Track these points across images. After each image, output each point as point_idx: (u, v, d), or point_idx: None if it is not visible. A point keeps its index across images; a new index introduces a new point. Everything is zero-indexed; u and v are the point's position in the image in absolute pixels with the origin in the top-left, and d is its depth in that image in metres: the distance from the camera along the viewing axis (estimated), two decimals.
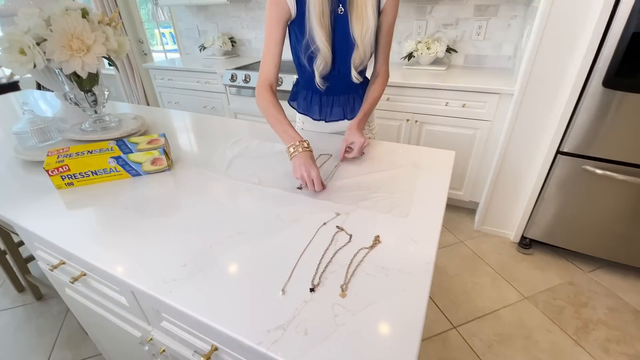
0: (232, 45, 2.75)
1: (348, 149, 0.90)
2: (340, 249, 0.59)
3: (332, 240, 0.61)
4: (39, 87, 2.75)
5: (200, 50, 2.81)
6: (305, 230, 0.64)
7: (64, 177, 0.82)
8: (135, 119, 1.13)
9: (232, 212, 0.71)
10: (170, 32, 3.29)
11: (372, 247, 0.59)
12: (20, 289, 1.56)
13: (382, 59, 1.00)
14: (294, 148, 0.78)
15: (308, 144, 0.79)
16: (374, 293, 0.50)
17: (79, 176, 0.83)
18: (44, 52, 0.84)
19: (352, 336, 0.44)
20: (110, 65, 0.96)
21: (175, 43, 3.21)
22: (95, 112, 1.04)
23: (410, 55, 2.02)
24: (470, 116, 1.69)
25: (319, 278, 0.53)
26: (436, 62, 2.02)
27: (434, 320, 1.38)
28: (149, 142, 0.88)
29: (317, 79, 0.95)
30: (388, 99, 1.81)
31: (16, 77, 3.29)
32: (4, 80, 3.12)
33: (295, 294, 0.50)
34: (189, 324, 0.56)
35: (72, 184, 0.84)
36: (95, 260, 0.59)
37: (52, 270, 0.75)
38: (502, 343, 1.29)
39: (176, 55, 3.34)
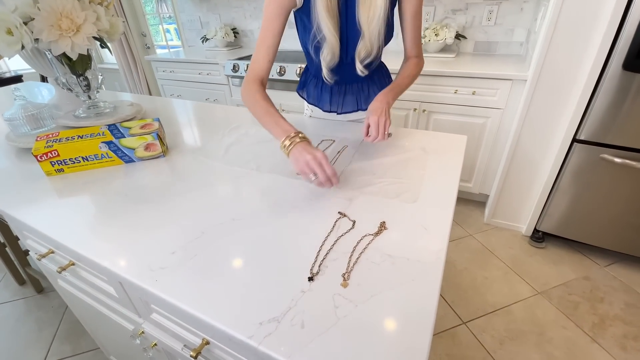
0: (235, 36, 2.70)
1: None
2: (342, 235, 0.54)
3: (333, 227, 0.56)
4: (44, 79, 2.74)
5: (202, 42, 2.76)
6: (304, 216, 0.59)
7: (53, 163, 0.78)
8: (131, 106, 1.09)
9: (227, 198, 0.66)
10: (175, 28, 3.25)
11: (377, 233, 0.54)
12: (21, 281, 1.55)
13: (412, 43, 0.88)
14: (289, 140, 0.65)
15: (305, 136, 0.67)
16: (379, 283, 0.45)
17: (69, 162, 0.79)
18: (32, 32, 0.80)
19: (354, 330, 0.39)
20: (102, 47, 0.92)
21: (179, 39, 3.17)
22: (89, 97, 1.00)
23: None
24: (481, 104, 1.62)
25: (319, 266, 0.48)
26: (445, 49, 1.95)
27: (442, 316, 1.33)
28: (142, 127, 0.84)
29: (325, 72, 0.86)
30: None
31: (20, 71, 3.29)
32: (7, 75, 3.12)
33: (291, 283, 0.46)
34: (177, 316, 0.52)
35: (62, 170, 0.80)
36: (80, 248, 0.55)
37: (40, 260, 0.71)
38: (515, 339, 1.23)
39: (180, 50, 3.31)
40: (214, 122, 1.09)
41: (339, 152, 0.83)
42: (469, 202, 1.99)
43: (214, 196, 0.67)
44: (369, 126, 0.75)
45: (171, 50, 3.44)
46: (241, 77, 2.18)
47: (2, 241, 1.39)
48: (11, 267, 1.49)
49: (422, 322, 0.40)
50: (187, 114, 1.19)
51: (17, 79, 3.17)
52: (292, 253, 0.51)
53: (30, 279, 1.49)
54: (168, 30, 3.53)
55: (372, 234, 0.54)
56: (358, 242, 0.52)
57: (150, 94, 3.57)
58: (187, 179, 0.74)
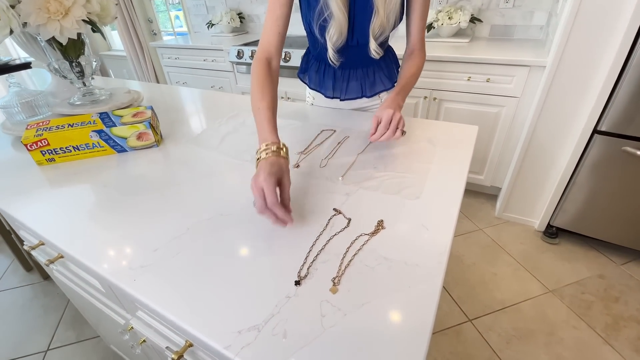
0: (241, 22, 2.63)
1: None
2: (335, 234, 0.50)
3: (326, 225, 0.52)
4: None
5: (208, 27, 2.70)
6: (295, 213, 0.55)
7: (43, 153, 0.76)
8: (128, 93, 1.06)
9: (218, 191, 0.63)
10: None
11: (373, 233, 0.50)
12: (28, 268, 1.57)
13: (417, 31, 0.81)
14: (258, 153, 0.56)
15: (285, 151, 0.57)
16: (372, 289, 0.41)
17: (59, 151, 0.77)
18: (19, 16, 0.77)
19: (340, 343, 0.35)
20: (94, 31, 0.88)
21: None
22: (84, 84, 0.97)
23: (429, 27, 1.85)
24: (495, 92, 1.53)
25: (307, 269, 0.44)
26: (458, 33, 1.85)
27: (448, 312, 1.29)
28: (135, 115, 0.80)
29: (330, 53, 0.80)
30: None
31: (29, 58, 3.30)
32: (17, 61, 3.13)
33: (277, 287, 0.42)
34: (157, 317, 0.49)
35: (53, 160, 0.78)
36: (63, 244, 0.53)
37: (30, 251, 0.70)
38: (522, 339, 1.18)
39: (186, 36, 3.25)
40: (213, 110, 1.06)
41: (339, 142, 0.78)
42: (479, 194, 1.92)
43: (204, 189, 0.63)
44: (377, 124, 0.67)
45: (178, 36, 3.39)
46: (247, 64, 2.13)
47: (9, 228, 1.41)
48: (18, 253, 1.51)
49: (416, 336, 0.36)
50: (187, 101, 1.15)
51: (26, 65, 3.18)
52: (280, 253, 0.47)
53: (37, 266, 1.51)
54: (177, 17, 3.48)
55: (368, 234, 0.50)
56: (352, 243, 0.48)
57: (157, 82, 3.55)
58: (179, 170, 0.71)
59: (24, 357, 1.24)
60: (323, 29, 0.78)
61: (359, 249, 0.47)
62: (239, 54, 2.08)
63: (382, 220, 0.52)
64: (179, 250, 0.49)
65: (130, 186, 0.66)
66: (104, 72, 4.02)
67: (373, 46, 0.79)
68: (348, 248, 0.47)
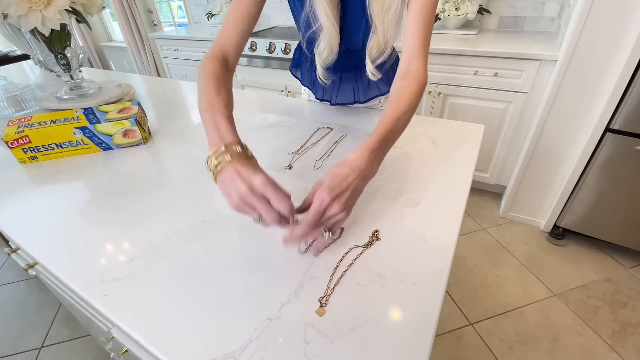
0: None
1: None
2: (326, 246, 0.46)
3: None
4: None
5: (207, 18, 2.64)
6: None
7: (25, 150, 0.72)
8: (118, 86, 1.02)
9: (203, 195, 0.59)
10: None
11: (367, 245, 0.46)
12: None
13: (416, 47, 0.56)
14: (216, 158, 0.42)
15: (244, 149, 0.44)
16: (363, 312, 0.37)
17: (42, 149, 0.73)
18: None
19: None
20: (79, 21, 0.84)
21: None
22: (72, 77, 0.93)
23: (435, 18, 1.77)
24: (503, 87, 1.46)
25: (295, 286, 0.40)
26: (465, 25, 1.77)
27: (449, 315, 1.26)
28: (120, 111, 0.76)
29: (320, 72, 0.71)
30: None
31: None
32: (17, 52, 3.10)
33: (259, 306, 0.38)
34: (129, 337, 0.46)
35: (35, 157, 0.74)
36: (36, 251, 0.49)
37: (9, 255, 0.67)
38: (525, 344, 1.15)
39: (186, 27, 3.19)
40: None
41: (335, 142, 0.74)
42: (484, 192, 1.86)
43: (188, 192, 0.59)
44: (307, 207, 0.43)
45: (178, 27, 3.33)
46: (246, 56, 2.07)
47: None
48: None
49: None
50: (181, 95, 1.11)
51: (26, 56, 3.14)
52: (266, 267, 0.44)
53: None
54: (180, 7, 3.41)
55: (361, 246, 0.46)
56: (344, 256, 0.44)
57: (158, 74, 3.50)
58: (164, 171, 0.67)
59: (19, 354, 1.22)
60: (311, 41, 0.69)
61: (350, 264, 0.43)
62: None
63: (377, 231, 0.48)
64: (155, 262, 0.45)
65: (111, 188, 0.63)
66: (104, 64, 3.98)
67: (370, 68, 0.68)
68: (339, 262, 0.43)
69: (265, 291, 0.40)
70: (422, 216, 0.50)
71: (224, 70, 0.56)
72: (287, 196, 0.40)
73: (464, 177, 0.59)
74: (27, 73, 1.55)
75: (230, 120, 0.48)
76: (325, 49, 0.68)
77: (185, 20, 3.33)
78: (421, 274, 0.41)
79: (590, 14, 1.12)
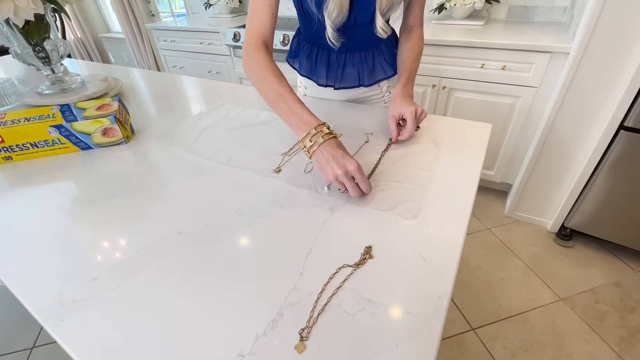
0: (240, 1, 2.48)
1: (400, 125, 0.67)
2: (312, 265, 0.41)
3: (305, 254, 0.43)
4: None
5: (205, 8, 2.56)
6: (269, 233, 0.46)
7: None
8: (104, 80, 0.97)
9: (181, 202, 0.54)
10: None
11: (358, 264, 0.41)
12: None
13: (418, 7, 0.75)
14: (310, 139, 0.51)
15: (329, 128, 0.53)
16: (349, 348, 0.32)
17: (16, 149, 0.69)
18: None
19: None
20: (55, 11, 0.78)
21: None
22: (53, 71, 0.88)
23: (441, 8, 1.69)
24: (511, 81, 1.39)
25: (273, 315, 0.36)
26: (473, 15, 1.69)
27: (449, 320, 1.21)
28: (99, 108, 0.71)
29: (330, 32, 0.68)
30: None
31: None
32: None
33: (229, 340, 0.33)
34: None
35: (10, 158, 0.70)
36: None
37: None
38: (529, 351, 1.10)
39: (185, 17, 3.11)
40: (198, 99, 0.96)
41: (366, 141, 0.68)
42: (489, 191, 1.80)
43: (165, 199, 0.55)
44: (399, 124, 0.66)
45: (176, 18, 3.25)
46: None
47: None
48: None
49: None
50: (173, 90, 1.05)
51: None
52: (242, 289, 0.39)
53: None
54: None
55: (351, 265, 0.41)
56: (331, 278, 0.39)
57: (157, 66, 3.44)
58: (142, 175, 0.62)
59: (11, 354, 1.20)
60: (320, 3, 0.66)
61: (338, 287, 0.38)
62: (235, 37, 1.95)
63: (370, 247, 0.43)
64: (121, 281, 0.40)
65: (84, 193, 0.58)
66: (103, 56, 3.92)
67: (380, 23, 0.68)
68: (325, 285, 0.38)
69: (239, 320, 0.35)
70: (421, 229, 0.45)
71: (270, 57, 0.61)
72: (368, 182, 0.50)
73: (468, 184, 0.53)
74: (17, 67, 1.49)
75: (302, 104, 0.56)
76: (335, 8, 0.65)
77: (183, 10, 3.25)
78: (417, 300, 0.36)
79: (606, 3, 1.04)
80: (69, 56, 2.97)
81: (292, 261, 0.41)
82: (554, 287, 1.30)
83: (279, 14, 2.36)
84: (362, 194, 0.50)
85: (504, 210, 1.67)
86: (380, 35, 0.70)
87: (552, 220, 1.51)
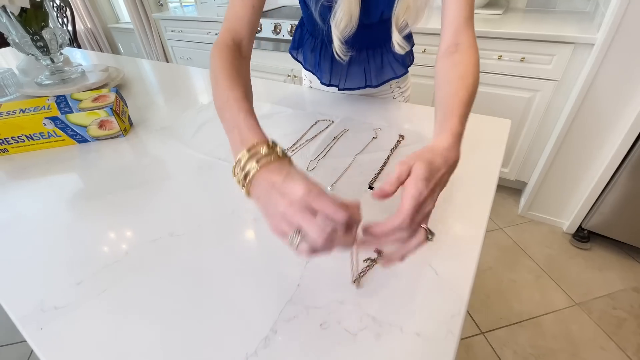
0: None
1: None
2: (311, 275, 0.37)
3: (306, 262, 0.39)
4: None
5: None
6: (265, 238, 0.43)
7: None
8: (104, 70, 0.94)
9: (174, 200, 0.51)
10: None
11: (362, 275, 0.37)
12: None
13: (464, 18, 0.49)
14: (242, 167, 0.33)
15: (272, 145, 0.33)
16: None
17: (12, 141, 0.66)
18: None
19: None
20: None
21: None
22: (52, 61, 0.86)
23: None
24: (530, 74, 1.32)
25: (266, 331, 0.32)
26: (490, 3, 1.61)
27: None
28: (95, 99, 0.69)
29: (337, 45, 0.61)
30: (424, 51, 1.47)
31: None
32: None
33: (223, 356, 0.30)
34: None
35: (6, 150, 0.67)
36: None
37: None
38: (541, 358, 1.06)
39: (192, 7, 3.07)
40: (199, 90, 0.92)
41: (335, 138, 0.64)
42: (502, 188, 1.74)
43: (159, 197, 0.52)
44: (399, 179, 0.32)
45: (184, 7, 3.21)
46: None
47: None
48: None
49: None
50: (177, 80, 1.02)
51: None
52: (235, 299, 0.36)
53: None
54: None
55: (354, 277, 0.37)
56: (331, 290, 0.35)
57: (165, 57, 3.42)
58: (137, 170, 0.59)
59: (15, 344, 1.21)
60: (327, 10, 0.59)
61: (341, 301, 0.34)
62: None
63: (375, 258, 0.39)
64: (106, 286, 0.38)
65: (76, 190, 0.55)
66: (113, 47, 3.91)
67: (397, 39, 0.59)
68: (325, 299, 0.35)
69: (227, 336, 0.32)
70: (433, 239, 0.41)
71: (237, 58, 0.49)
72: (345, 204, 0.28)
73: (486, 188, 0.49)
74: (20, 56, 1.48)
75: (250, 113, 0.39)
76: (344, 19, 0.57)
77: (193, 0, 3.21)
78: (428, 320, 0.32)
79: None
80: (79, 47, 2.98)
81: (289, 270, 0.38)
82: (569, 291, 1.24)
83: (287, 2, 2.27)
84: (340, 237, 0.28)
85: (517, 210, 1.61)
86: (396, 51, 0.61)
87: (568, 221, 1.45)
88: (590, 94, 1.16)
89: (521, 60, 1.30)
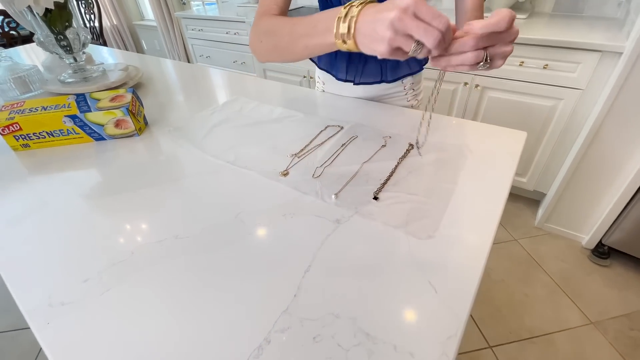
0: None
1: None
2: (310, 285, 0.37)
3: (304, 272, 0.39)
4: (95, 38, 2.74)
5: None
6: (266, 245, 0.43)
7: (17, 138, 0.69)
8: (124, 70, 0.97)
9: (181, 203, 0.52)
10: None
11: (360, 289, 0.37)
12: None
13: (474, 5, 0.59)
14: (344, 22, 0.37)
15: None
16: None
17: (33, 137, 0.69)
18: None
19: None
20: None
21: None
22: (75, 59, 0.89)
23: None
24: (554, 82, 1.27)
25: (260, 340, 0.32)
26: (515, 7, 1.56)
27: (466, 335, 1.14)
28: (113, 99, 0.71)
29: None
30: None
31: None
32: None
33: None
34: None
35: (28, 145, 0.71)
36: None
37: None
38: None
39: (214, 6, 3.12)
40: (215, 91, 0.94)
41: (343, 144, 0.64)
42: (519, 198, 1.69)
43: (167, 198, 0.53)
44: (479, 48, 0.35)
45: (206, 6, 3.27)
46: None
47: None
48: None
49: None
50: (195, 81, 1.04)
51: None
52: (230, 308, 0.36)
53: None
54: None
55: (352, 290, 0.37)
56: (328, 302, 0.35)
57: (186, 55, 3.49)
58: (148, 170, 0.60)
59: (25, 329, 1.27)
60: None
61: (336, 315, 0.34)
62: None
63: (375, 271, 0.38)
64: (110, 285, 0.39)
65: (90, 187, 0.57)
66: (137, 44, 4.03)
67: None
68: (321, 311, 0.35)
69: (221, 342, 0.32)
70: (435, 254, 0.40)
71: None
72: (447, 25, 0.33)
73: (493, 204, 0.47)
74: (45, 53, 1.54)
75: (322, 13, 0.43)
76: None
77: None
78: (423, 339, 0.32)
79: None
80: (104, 43, 3.08)
81: (286, 279, 0.38)
82: (585, 308, 1.19)
83: (306, 2, 2.29)
84: (441, 39, 0.32)
85: (534, 221, 1.55)
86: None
87: (588, 236, 1.39)
88: (616, 105, 1.11)
89: (544, 67, 1.26)
